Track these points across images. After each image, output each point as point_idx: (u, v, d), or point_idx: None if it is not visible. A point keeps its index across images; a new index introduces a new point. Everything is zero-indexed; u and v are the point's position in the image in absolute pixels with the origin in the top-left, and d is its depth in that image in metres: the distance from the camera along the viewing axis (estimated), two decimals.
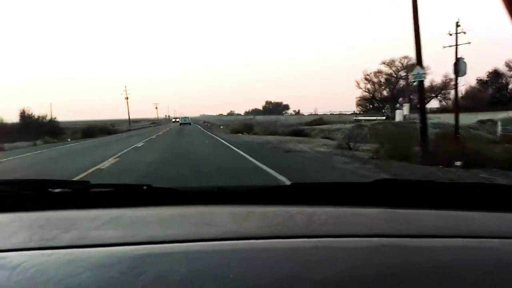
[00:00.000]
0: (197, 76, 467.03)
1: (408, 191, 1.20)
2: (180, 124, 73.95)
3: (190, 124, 72.41)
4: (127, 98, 65.67)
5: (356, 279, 0.67)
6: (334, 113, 72.79)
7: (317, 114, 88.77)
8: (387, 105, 61.15)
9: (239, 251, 0.78)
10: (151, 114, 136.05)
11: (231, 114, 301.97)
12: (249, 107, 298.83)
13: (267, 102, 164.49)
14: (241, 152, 14.46)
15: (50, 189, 1.21)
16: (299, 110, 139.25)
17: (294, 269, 0.70)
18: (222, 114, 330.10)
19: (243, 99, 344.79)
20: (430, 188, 1.25)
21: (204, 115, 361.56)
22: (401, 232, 0.90)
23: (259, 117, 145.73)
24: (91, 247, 0.80)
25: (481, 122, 34.70)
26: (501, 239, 0.85)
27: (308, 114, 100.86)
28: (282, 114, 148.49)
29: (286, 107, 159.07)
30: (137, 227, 0.96)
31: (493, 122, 32.05)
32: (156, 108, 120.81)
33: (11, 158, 16.62)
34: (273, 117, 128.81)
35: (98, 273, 0.68)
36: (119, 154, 15.07)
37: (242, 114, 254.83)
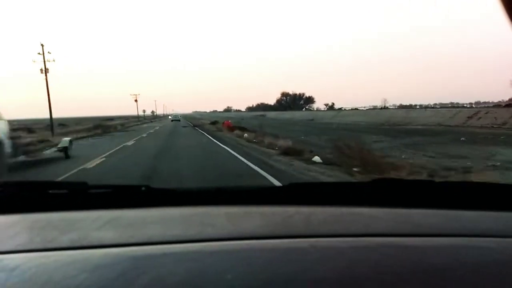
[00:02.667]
0: (190, 71, 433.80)
1: (406, 190, 1.21)
2: (172, 120, 68.15)
3: (179, 120, 66.26)
4: (45, 70, 30.26)
5: (354, 278, 0.67)
6: (430, 106, 39.80)
7: (387, 107, 55.63)
8: None
9: (237, 251, 0.78)
10: (141, 110, 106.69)
11: (228, 110, 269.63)
12: (251, 103, 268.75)
13: (283, 94, 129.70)
14: None
15: (49, 190, 1.23)
16: (333, 104, 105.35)
17: (292, 269, 0.71)
18: (216, 111, 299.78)
19: (243, 95, 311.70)
20: (428, 187, 1.23)
21: (197, 112, 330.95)
22: (399, 232, 0.90)
23: (273, 114, 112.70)
24: (90, 248, 0.80)
25: None
26: (498, 238, 0.86)
27: (373, 108, 65.71)
28: (307, 109, 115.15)
29: (310, 100, 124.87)
30: (136, 228, 0.96)
31: None
32: (136, 101, 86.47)
33: None
34: (298, 114, 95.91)
35: (97, 274, 0.68)
36: None
37: (243, 110, 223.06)
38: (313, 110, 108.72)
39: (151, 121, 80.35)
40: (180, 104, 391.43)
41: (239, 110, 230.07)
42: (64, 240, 0.85)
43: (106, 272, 0.69)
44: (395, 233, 0.89)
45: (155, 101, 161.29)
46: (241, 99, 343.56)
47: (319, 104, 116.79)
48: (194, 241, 0.83)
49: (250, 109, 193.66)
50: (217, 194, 1.26)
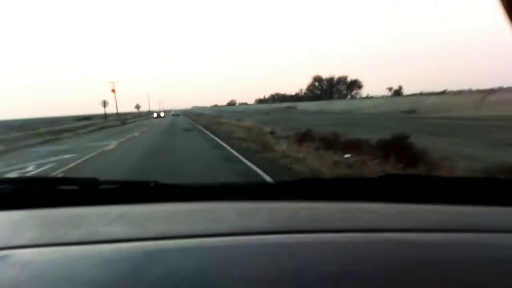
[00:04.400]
0: (188, 65, 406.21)
1: (412, 186, 1.20)
2: (172, 115, 67.70)
3: (179, 115, 65.89)
4: None
5: (361, 273, 0.68)
6: None
7: None
8: None
9: (245, 246, 0.79)
10: (129, 106, 76.92)
11: (232, 103, 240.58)
12: (260, 94, 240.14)
13: (315, 79, 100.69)
14: None
15: (59, 186, 1.25)
16: (400, 88, 76.32)
17: (299, 263, 0.71)
18: (217, 105, 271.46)
19: (249, 86, 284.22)
20: (434, 183, 1.23)
21: (196, 107, 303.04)
22: (405, 227, 0.90)
23: (309, 105, 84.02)
24: (100, 243, 0.81)
25: None
26: (504, 233, 0.85)
27: None
28: (353, 97, 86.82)
29: (355, 84, 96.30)
30: (145, 223, 0.97)
31: None
32: (113, 91, 57.94)
33: None
34: (352, 104, 66.79)
35: (108, 269, 0.69)
36: None
37: (251, 103, 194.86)
38: (362, 98, 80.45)
39: (110, 127, 37.48)
40: (178, 99, 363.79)
41: (245, 103, 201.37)
42: (75, 235, 0.86)
43: (116, 267, 0.69)
44: (402, 228, 0.88)
45: (147, 93, 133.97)
46: (247, 91, 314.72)
47: (369, 89, 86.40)
48: (202, 236, 0.82)
49: (261, 101, 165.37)
50: (224, 189, 1.27)
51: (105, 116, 51.33)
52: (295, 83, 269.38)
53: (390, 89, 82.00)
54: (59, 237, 0.86)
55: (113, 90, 61.56)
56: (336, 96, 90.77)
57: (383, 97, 68.78)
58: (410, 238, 0.82)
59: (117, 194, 1.22)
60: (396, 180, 1.22)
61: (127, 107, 65.37)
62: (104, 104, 47.13)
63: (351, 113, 46.57)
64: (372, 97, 77.12)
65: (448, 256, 0.73)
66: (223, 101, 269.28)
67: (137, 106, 69.10)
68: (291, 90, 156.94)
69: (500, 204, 1.03)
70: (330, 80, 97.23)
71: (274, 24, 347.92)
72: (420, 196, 1.10)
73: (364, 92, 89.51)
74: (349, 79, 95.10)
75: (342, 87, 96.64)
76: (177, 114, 72.28)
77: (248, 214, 1.06)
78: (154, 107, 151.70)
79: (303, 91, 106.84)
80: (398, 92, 77.63)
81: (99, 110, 63.41)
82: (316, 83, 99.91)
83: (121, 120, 51.09)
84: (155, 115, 69.40)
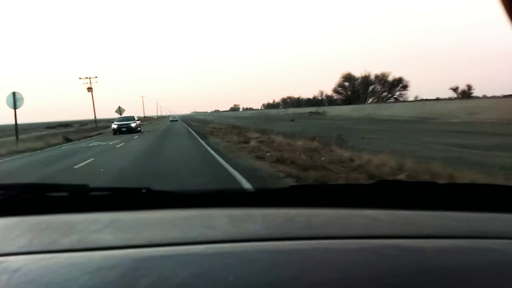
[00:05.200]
0: (186, 68, 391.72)
1: (408, 192, 1.20)
2: (171, 120, 69.36)
3: (177, 120, 69.36)
4: None
5: (356, 280, 0.67)
6: None
7: None
8: None
9: (239, 253, 0.79)
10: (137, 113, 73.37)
11: (235, 109, 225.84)
12: (267, 99, 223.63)
13: (346, 78, 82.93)
14: None
15: (49, 193, 1.24)
16: (470, 88, 61.31)
17: (293, 271, 0.71)
18: (218, 110, 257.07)
19: (254, 91, 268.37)
20: (430, 189, 1.22)
21: (196, 112, 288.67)
22: (401, 233, 0.91)
23: (340, 110, 66.88)
24: (90, 250, 0.81)
25: None
26: (501, 239, 0.86)
27: None
28: (397, 99, 71.05)
29: (398, 84, 78.28)
30: (137, 230, 0.97)
31: None
32: (90, 89, 41.95)
33: None
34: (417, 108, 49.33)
35: (98, 277, 0.68)
36: None
37: (257, 108, 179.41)
38: (410, 101, 64.78)
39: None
40: (176, 104, 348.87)
41: (251, 108, 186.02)
42: (65, 242, 0.86)
43: (107, 274, 0.69)
44: (398, 235, 0.89)
45: (142, 96, 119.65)
46: (252, 95, 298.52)
47: (449, 90, 67.17)
48: (195, 243, 0.82)
49: (269, 106, 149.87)
50: (218, 196, 1.26)
51: (16, 127, 24.74)
52: (311, 85, 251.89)
53: (455, 89, 66.09)
54: (48, 244, 0.86)
55: (90, 89, 45.60)
56: (372, 99, 75.42)
57: (446, 99, 53.52)
58: (407, 245, 0.82)
59: (108, 201, 1.20)
60: (392, 186, 1.23)
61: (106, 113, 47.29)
62: (14, 103, 23.14)
63: (431, 122, 30.63)
64: (418, 100, 61.65)
65: (444, 262, 0.73)
66: (225, 106, 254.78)
67: (119, 110, 42.95)
68: (306, 93, 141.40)
69: (497, 211, 1.03)
70: (365, 79, 79.04)
71: (284, 17, 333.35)
72: (417, 202, 1.10)
73: (410, 95, 72.91)
74: (394, 76, 76.35)
75: (379, 88, 79.46)
76: (175, 119, 72.98)
77: (242, 221, 1.06)
78: (150, 112, 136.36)
79: (324, 93, 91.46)
80: (466, 93, 62.00)
81: (88, 115, 46.95)
82: (346, 83, 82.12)
83: (67, 135, 29.62)
84: (114, 126, 34.55)
